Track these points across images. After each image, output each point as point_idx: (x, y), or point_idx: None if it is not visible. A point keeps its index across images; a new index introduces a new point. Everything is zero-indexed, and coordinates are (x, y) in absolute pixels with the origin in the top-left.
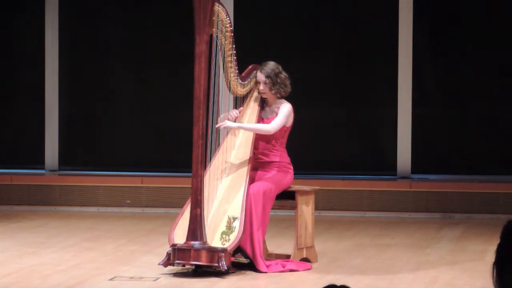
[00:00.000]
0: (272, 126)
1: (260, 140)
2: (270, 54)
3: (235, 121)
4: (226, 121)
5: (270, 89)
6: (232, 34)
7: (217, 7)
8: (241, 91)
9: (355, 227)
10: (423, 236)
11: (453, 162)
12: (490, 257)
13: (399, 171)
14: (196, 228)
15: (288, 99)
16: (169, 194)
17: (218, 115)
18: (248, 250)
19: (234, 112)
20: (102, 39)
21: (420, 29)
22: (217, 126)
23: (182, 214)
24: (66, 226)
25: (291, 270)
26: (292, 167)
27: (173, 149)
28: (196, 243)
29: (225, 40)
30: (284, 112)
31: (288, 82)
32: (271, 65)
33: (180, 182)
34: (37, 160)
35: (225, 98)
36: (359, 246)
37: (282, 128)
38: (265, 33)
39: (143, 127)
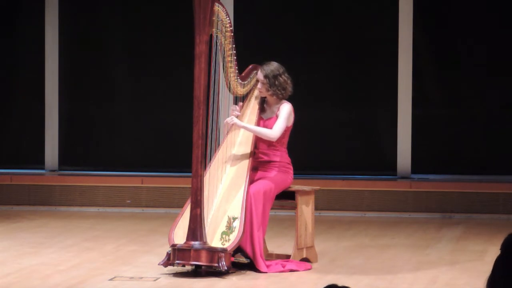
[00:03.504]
0: (275, 132)
1: (261, 139)
2: (270, 54)
3: (237, 117)
4: (234, 118)
5: (267, 90)
6: (232, 34)
7: (217, 7)
8: (241, 91)
9: (355, 227)
10: (423, 236)
11: (453, 162)
12: (490, 257)
13: (399, 171)
14: (196, 228)
15: (288, 98)
16: (169, 194)
17: (218, 115)
18: (248, 250)
19: (235, 108)
20: (102, 39)
21: (420, 29)
22: (225, 121)
23: (182, 214)
24: (66, 226)
25: (291, 270)
26: (292, 167)
27: (173, 149)
28: (196, 243)
29: (225, 40)
30: (284, 115)
31: (288, 86)
32: (272, 66)
33: (180, 182)
34: (37, 160)
35: (225, 98)
36: (359, 246)
37: None
38: (265, 33)
39: (143, 127)
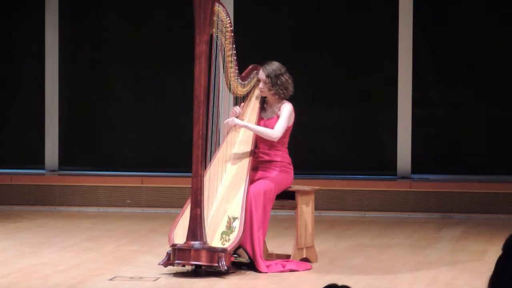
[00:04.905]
0: (276, 132)
1: (261, 139)
2: (270, 54)
3: (237, 117)
4: (234, 118)
5: (269, 89)
6: (232, 34)
7: (217, 7)
8: (241, 91)
9: (355, 227)
10: (423, 236)
11: (453, 162)
12: (490, 257)
13: (399, 171)
14: (196, 228)
15: (288, 98)
16: (169, 194)
17: (218, 115)
18: (248, 250)
19: (237, 109)
20: (102, 39)
21: (420, 29)
22: (225, 121)
23: (182, 214)
24: (66, 226)
25: (291, 270)
26: (292, 167)
27: (173, 149)
28: (196, 243)
29: (225, 40)
30: (285, 114)
31: (290, 86)
32: (274, 65)
33: (180, 182)
34: (37, 160)
35: (225, 98)
36: (359, 246)
37: None
38: (265, 33)
39: (143, 127)
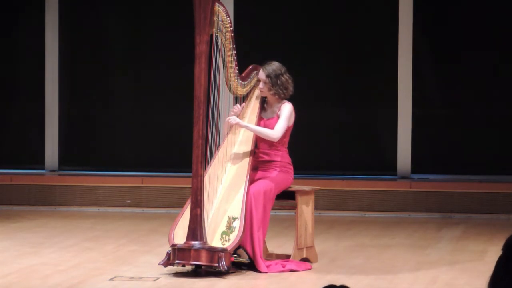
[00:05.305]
0: (276, 132)
1: (262, 139)
2: (270, 54)
3: (237, 116)
4: (236, 117)
5: (269, 89)
6: (232, 34)
7: (217, 7)
8: (241, 91)
9: (355, 227)
10: (423, 236)
11: (453, 162)
12: (490, 257)
13: (399, 171)
14: (196, 228)
15: (288, 98)
16: (169, 194)
17: (218, 116)
18: (248, 250)
19: (237, 108)
20: (102, 39)
21: (420, 29)
22: (227, 119)
23: (182, 214)
24: (66, 226)
25: (291, 270)
26: (292, 167)
27: (173, 149)
28: (196, 243)
29: (225, 40)
30: (285, 114)
31: (290, 86)
32: (274, 65)
33: (180, 182)
34: (37, 160)
35: (225, 98)
36: (359, 246)
37: None
38: (265, 33)
39: (143, 127)
